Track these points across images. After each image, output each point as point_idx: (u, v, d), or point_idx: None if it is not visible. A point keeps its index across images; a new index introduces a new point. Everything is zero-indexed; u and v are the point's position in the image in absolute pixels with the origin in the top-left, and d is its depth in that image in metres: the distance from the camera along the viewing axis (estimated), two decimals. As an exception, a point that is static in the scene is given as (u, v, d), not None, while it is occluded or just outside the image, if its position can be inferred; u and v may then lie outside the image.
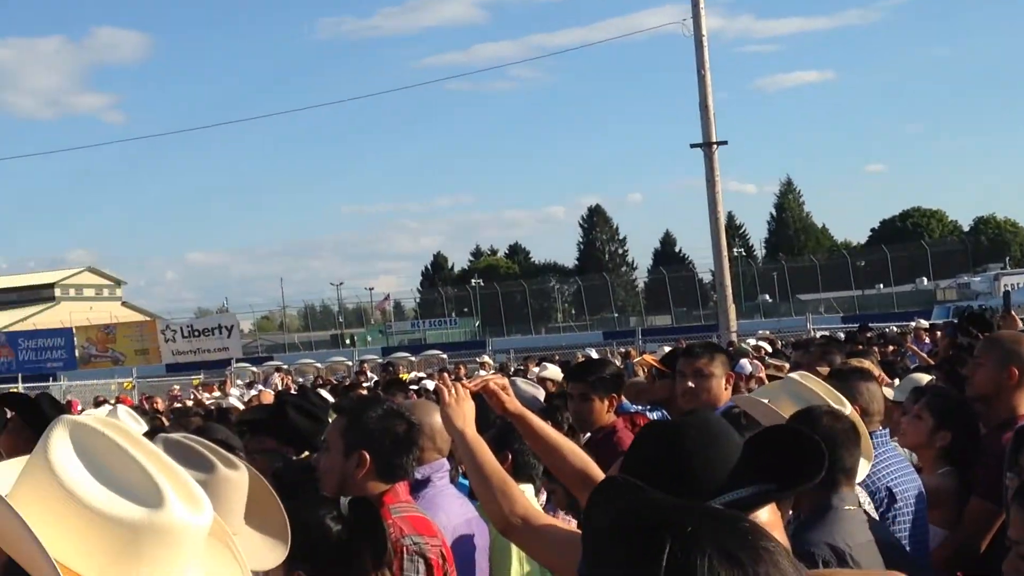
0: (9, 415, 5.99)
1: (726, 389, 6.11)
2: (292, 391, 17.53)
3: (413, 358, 41.87)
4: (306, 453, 5.66)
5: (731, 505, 2.25)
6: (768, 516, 2.38)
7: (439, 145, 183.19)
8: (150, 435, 2.65)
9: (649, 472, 2.22)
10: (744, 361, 11.67)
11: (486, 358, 31.67)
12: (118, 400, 23.11)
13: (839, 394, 4.69)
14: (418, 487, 4.48)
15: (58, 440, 1.73)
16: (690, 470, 2.34)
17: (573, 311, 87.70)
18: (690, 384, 6.03)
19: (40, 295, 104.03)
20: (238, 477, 2.71)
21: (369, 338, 73.77)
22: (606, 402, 6.43)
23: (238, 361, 47.82)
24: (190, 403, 18.34)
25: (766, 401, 4.65)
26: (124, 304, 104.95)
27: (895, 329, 24.95)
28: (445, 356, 41.14)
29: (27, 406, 5.87)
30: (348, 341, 69.59)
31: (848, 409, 4.51)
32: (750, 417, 4.59)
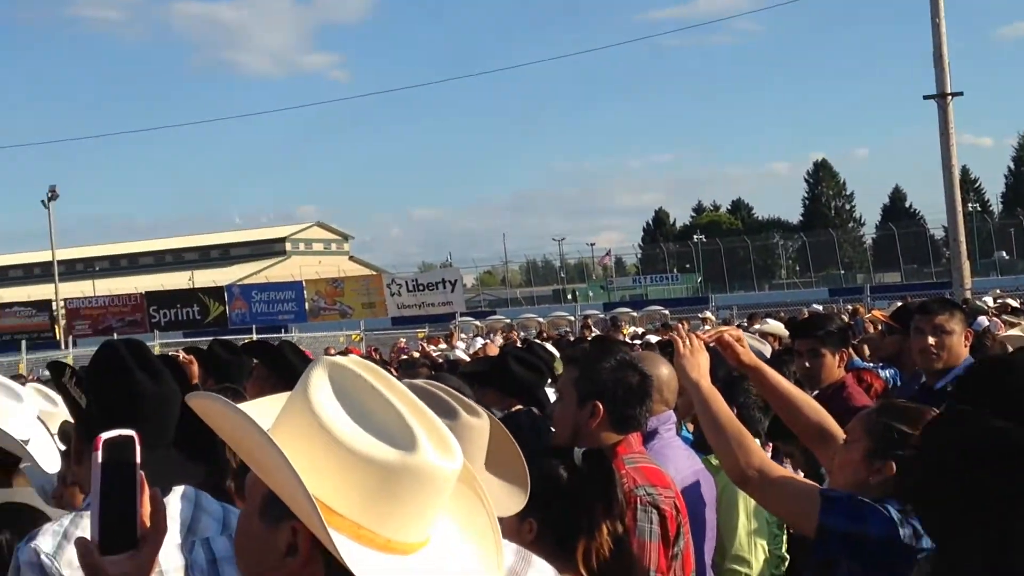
0: (254, 363, 6.20)
1: (965, 347, 5.91)
2: (516, 344, 17.69)
3: (635, 313, 41.86)
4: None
5: None
6: None
7: (660, 101, 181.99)
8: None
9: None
10: (982, 318, 11.26)
11: (708, 314, 31.39)
12: (346, 351, 23.73)
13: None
14: (645, 439, 4.45)
15: (318, 380, 1.77)
16: None
17: (797, 267, 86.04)
18: (929, 341, 5.83)
19: (272, 249, 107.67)
20: (480, 424, 2.74)
21: (591, 293, 73.95)
22: (837, 357, 6.28)
23: (461, 315, 48.56)
24: (416, 355, 18.68)
25: None
26: (351, 258, 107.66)
27: None
28: (667, 312, 40.97)
29: (271, 354, 6.05)
30: (570, 296, 69.96)
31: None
32: None
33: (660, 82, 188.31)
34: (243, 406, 1.79)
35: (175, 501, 2.99)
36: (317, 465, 1.70)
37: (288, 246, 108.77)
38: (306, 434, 1.72)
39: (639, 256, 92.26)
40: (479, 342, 22.35)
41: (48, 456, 4.26)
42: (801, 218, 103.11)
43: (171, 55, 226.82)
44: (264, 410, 1.81)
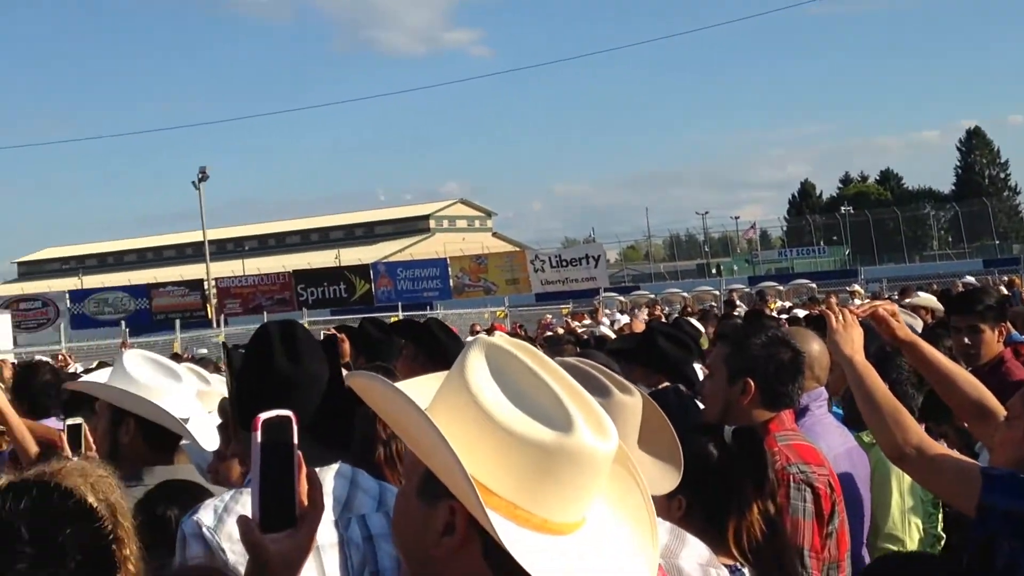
0: (403, 342, 6.26)
1: None
2: (661, 320, 17.59)
3: (781, 287, 41.26)
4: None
5: None
6: None
7: (805, 71, 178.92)
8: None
9: None
10: None
11: (857, 287, 30.77)
12: (491, 328, 23.86)
13: None
14: (797, 416, 4.39)
15: (474, 361, 1.78)
16: None
17: (950, 238, 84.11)
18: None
19: (416, 227, 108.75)
20: (632, 402, 2.72)
21: (735, 267, 73.22)
22: (996, 332, 6.11)
23: (605, 291, 48.47)
24: (561, 331, 18.69)
25: None
26: (494, 235, 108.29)
27: None
28: (814, 285, 40.35)
29: (420, 333, 6.10)
30: (714, 270, 69.34)
31: None
32: None
33: (806, 52, 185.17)
34: (400, 385, 1.81)
35: (330, 478, 3.04)
36: (474, 445, 1.71)
37: (432, 223, 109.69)
38: (463, 414, 1.73)
39: (784, 229, 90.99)
40: (622, 318, 22.27)
41: (206, 434, 4.37)
42: (953, 188, 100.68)
43: (315, 36, 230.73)
44: (421, 389, 1.83)
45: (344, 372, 3.02)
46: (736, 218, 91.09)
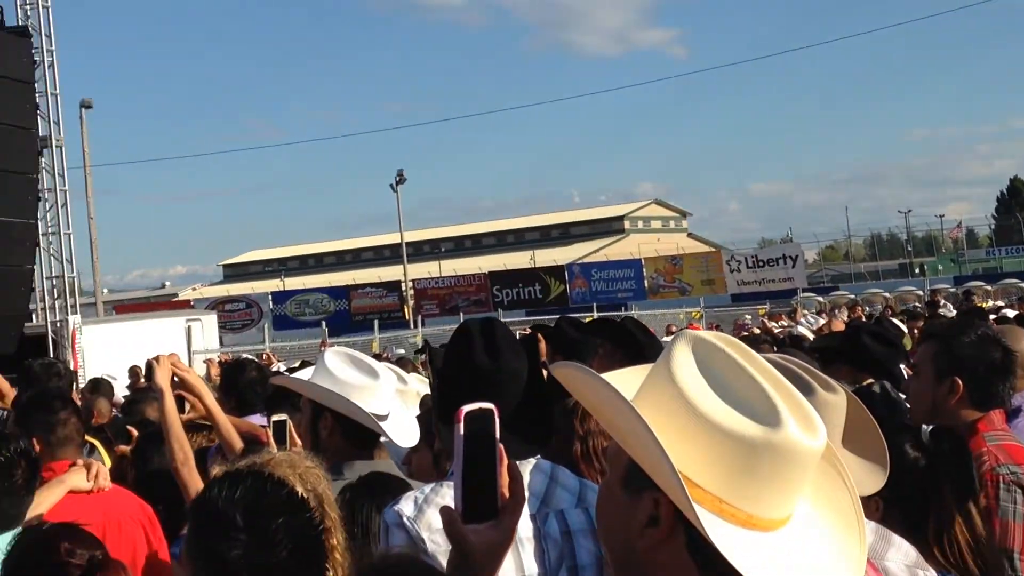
0: (599, 342, 6.25)
1: None
2: (862, 320, 17.21)
3: (989, 287, 39.99)
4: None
5: None
6: None
7: (1014, 64, 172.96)
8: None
9: None
10: None
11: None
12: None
13: None
14: (1008, 417, 4.24)
15: (681, 354, 1.77)
16: None
17: None
18: None
19: (610, 227, 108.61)
20: (837, 400, 2.67)
21: (940, 267, 71.07)
22: None
23: (803, 291, 47.71)
24: (757, 331, 18.45)
25: None
26: (689, 235, 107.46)
27: None
28: (1024, 285, 39.00)
29: (617, 332, 6.08)
30: (917, 270, 67.57)
31: None
32: None
33: (1016, 44, 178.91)
34: (605, 376, 1.80)
35: (528, 473, 3.06)
36: (679, 437, 1.70)
37: (627, 224, 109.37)
38: (669, 407, 1.73)
39: (992, 227, 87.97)
40: (819, 319, 21.89)
41: (403, 431, 4.45)
42: None
43: (509, 39, 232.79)
44: (625, 381, 1.82)
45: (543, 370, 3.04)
46: (941, 216, 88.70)
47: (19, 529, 3.53)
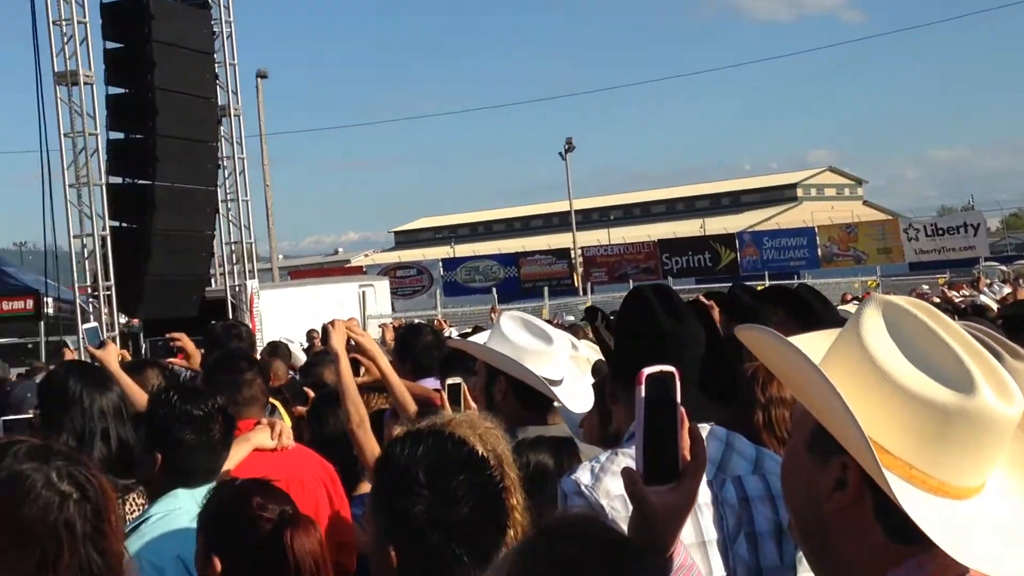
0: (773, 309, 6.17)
1: None
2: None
3: None
4: None
5: None
6: None
7: None
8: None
9: None
10: None
11: None
12: (861, 298, 23.23)
13: None
14: None
15: (871, 318, 1.74)
16: None
17: None
18: None
19: (782, 195, 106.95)
20: (1025, 368, 2.59)
21: None
22: None
23: (985, 260, 46.33)
24: (937, 300, 18.00)
25: None
26: (865, 203, 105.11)
27: None
28: None
29: (791, 299, 6.00)
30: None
31: None
32: None
33: None
34: (792, 339, 1.78)
35: (704, 438, 3.05)
36: (868, 402, 1.68)
37: (799, 192, 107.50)
38: (857, 371, 1.70)
39: None
40: (1001, 287, 21.24)
41: (576, 396, 4.46)
42: None
43: (678, 5, 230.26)
44: (812, 346, 1.80)
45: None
46: None
47: (214, 483, 3.65)
